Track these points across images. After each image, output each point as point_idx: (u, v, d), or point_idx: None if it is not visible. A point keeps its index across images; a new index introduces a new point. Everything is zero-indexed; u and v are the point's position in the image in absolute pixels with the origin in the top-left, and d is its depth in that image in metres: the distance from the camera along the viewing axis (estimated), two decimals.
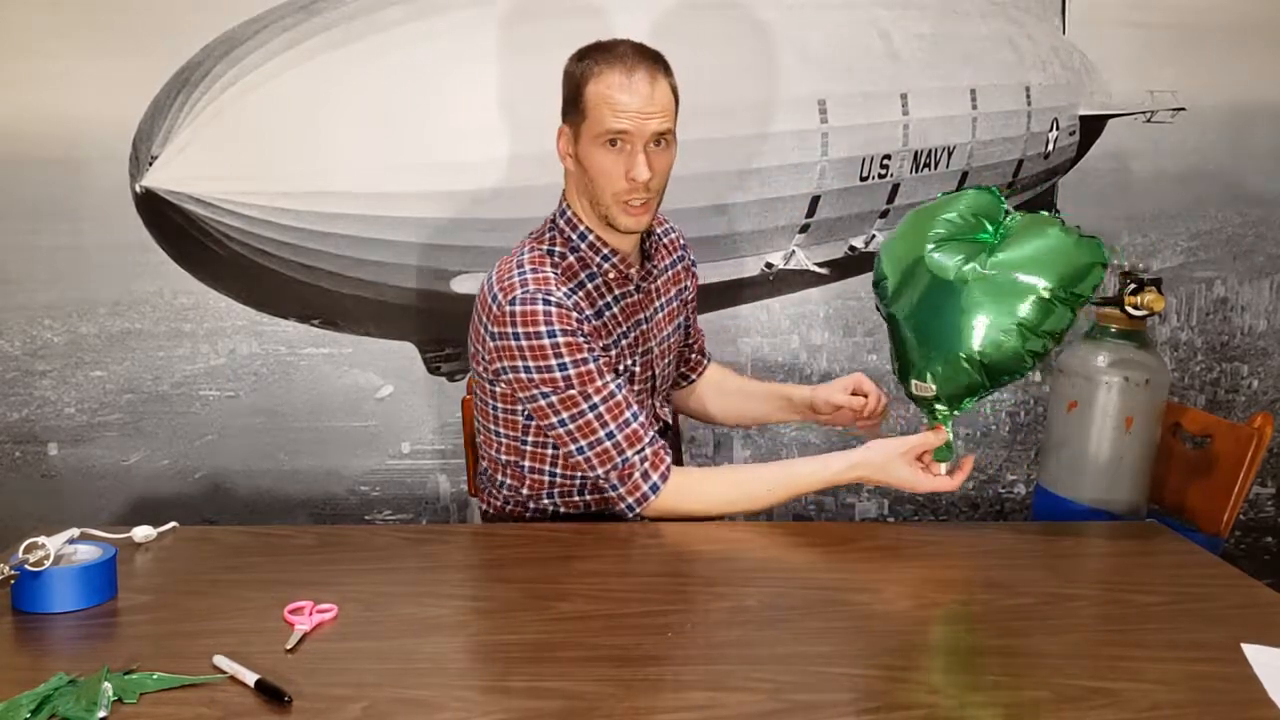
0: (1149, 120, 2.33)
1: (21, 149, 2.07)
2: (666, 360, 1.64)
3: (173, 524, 1.42)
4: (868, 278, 2.31)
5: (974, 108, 2.29)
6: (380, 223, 2.05)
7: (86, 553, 1.20)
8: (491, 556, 1.38)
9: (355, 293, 2.11)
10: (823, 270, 2.29)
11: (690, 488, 1.47)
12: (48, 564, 1.14)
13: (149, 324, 2.18)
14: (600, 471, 1.45)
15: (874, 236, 2.30)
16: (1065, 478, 1.95)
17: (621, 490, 1.45)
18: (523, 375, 1.44)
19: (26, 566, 1.13)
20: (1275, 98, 2.35)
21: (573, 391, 1.43)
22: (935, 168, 2.29)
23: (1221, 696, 0.99)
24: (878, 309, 1.46)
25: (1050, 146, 2.37)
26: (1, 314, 2.15)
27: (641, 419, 1.46)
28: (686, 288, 1.69)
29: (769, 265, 2.27)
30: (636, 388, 1.55)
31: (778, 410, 1.73)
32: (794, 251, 2.27)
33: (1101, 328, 1.94)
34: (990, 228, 1.38)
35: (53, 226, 2.11)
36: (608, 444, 1.44)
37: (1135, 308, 1.89)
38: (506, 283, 1.44)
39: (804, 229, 2.25)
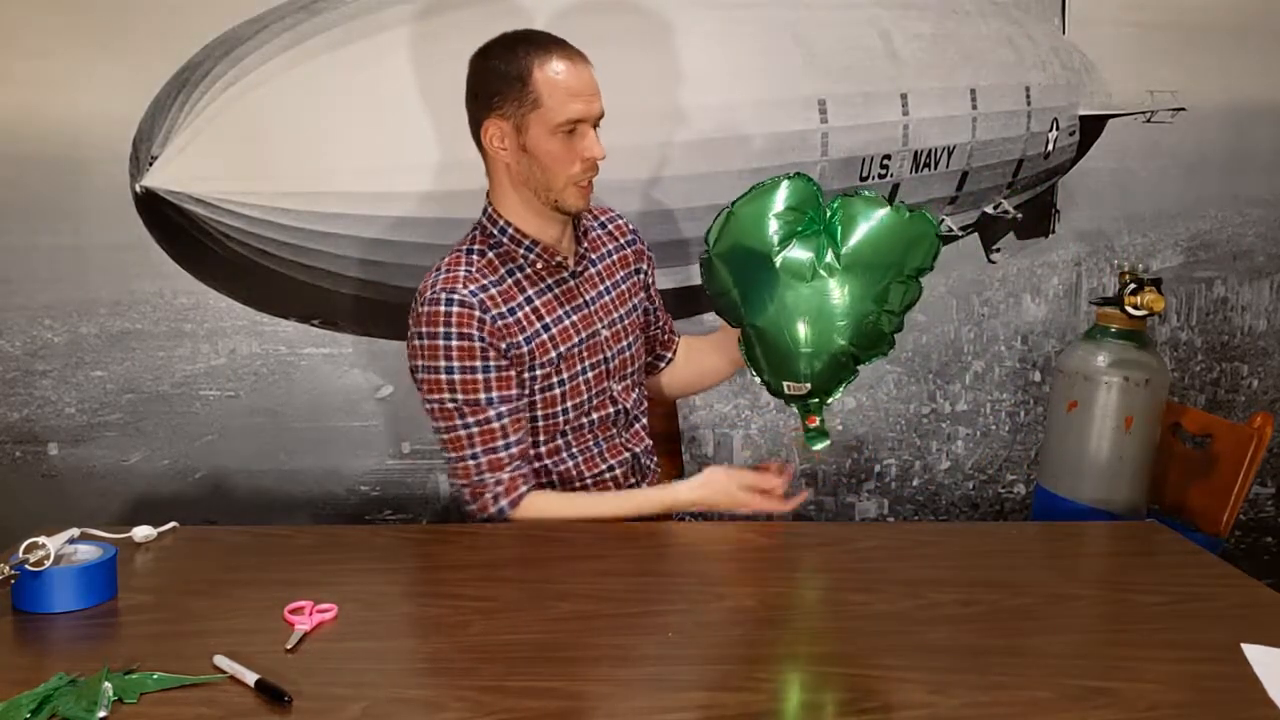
0: (1149, 120, 2.33)
1: (21, 149, 2.06)
2: (625, 342, 1.64)
3: (173, 524, 1.42)
4: None
5: (974, 108, 2.29)
6: (380, 223, 2.05)
7: (86, 553, 1.20)
8: (491, 556, 1.39)
9: (355, 293, 2.11)
10: None
11: (540, 512, 1.51)
12: (48, 564, 1.14)
13: (149, 324, 2.18)
14: (458, 483, 1.51)
15: None
16: (1065, 478, 1.96)
17: (473, 506, 1.50)
18: (419, 375, 1.49)
19: (27, 566, 1.13)
20: (1275, 98, 2.35)
21: (452, 405, 1.47)
22: (935, 168, 2.29)
23: (1221, 696, 0.99)
24: (734, 323, 1.47)
25: (1050, 146, 2.37)
26: (1, 314, 2.15)
27: (513, 450, 1.50)
28: (642, 270, 1.72)
29: None
30: (567, 375, 1.55)
31: (731, 347, 1.66)
32: None
33: (1101, 328, 1.95)
34: (815, 214, 1.40)
35: (53, 226, 2.11)
36: (470, 463, 1.49)
37: (1135, 308, 1.89)
38: (423, 285, 1.51)
39: None
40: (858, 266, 1.37)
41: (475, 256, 1.53)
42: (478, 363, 1.46)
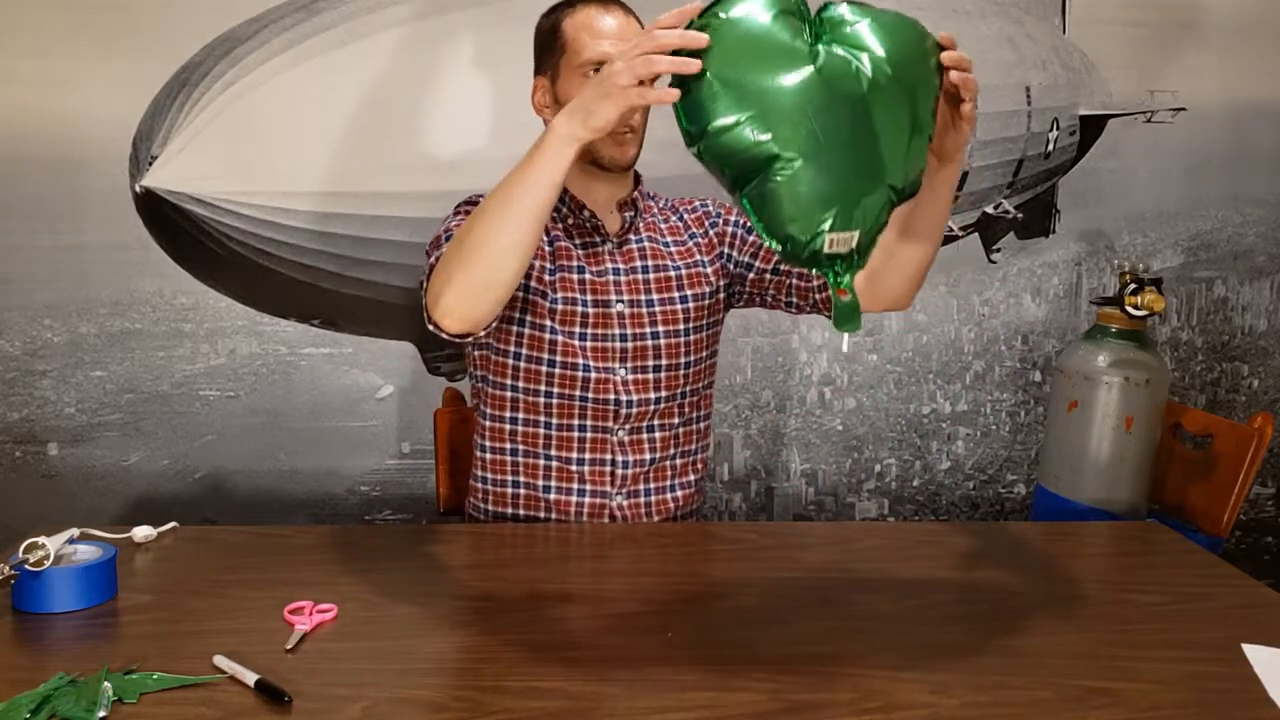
0: (1149, 120, 2.34)
1: (21, 149, 2.07)
2: (650, 330, 1.53)
3: (173, 524, 1.42)
4: None
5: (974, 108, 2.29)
6: (380, 223, 2.05)
7: (86, 553, 1.20)
8: (491, 556, 1.38)
9: (355, 293, 2.11)
10: None
11: (451, 243, 1.32)
12: (48, 564, 1.14)
13: (149, 324, 2.18)
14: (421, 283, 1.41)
15: None
16: (1065, 478, 1.96)
17: (425, 271, 1.39)
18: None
19: (26, 566, 1.13)
20: (1275, 98, 2.35)
21: (441, 235, 1.44)
22: None
23: (1221, 696, 0.99)
24: (739, 169, 1.06)
25: (1050, 146, 2.37)
26: (1, 314, 2.15)
27: None
28: (722, 254, 1.59)
29: None
30: (562, 329, 1.48)
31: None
32: None
33: (1102, 328, 1.95)
34: (810, 22, 1.06)
35: (53, 226, 2.11)
36: (434, 245, 1.44)
37: (1135, 308, 1.89)
38: None
39: None
40: (903, 78, 1.06)
41: None
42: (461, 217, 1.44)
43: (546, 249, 1.51)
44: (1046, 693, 0.99)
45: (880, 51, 1.05)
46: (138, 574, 1.28)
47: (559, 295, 1.49)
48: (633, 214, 1.55)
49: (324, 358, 2.23)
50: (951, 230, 2.36)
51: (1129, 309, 1.89)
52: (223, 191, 1.99)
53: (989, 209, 2.39)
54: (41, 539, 1.15)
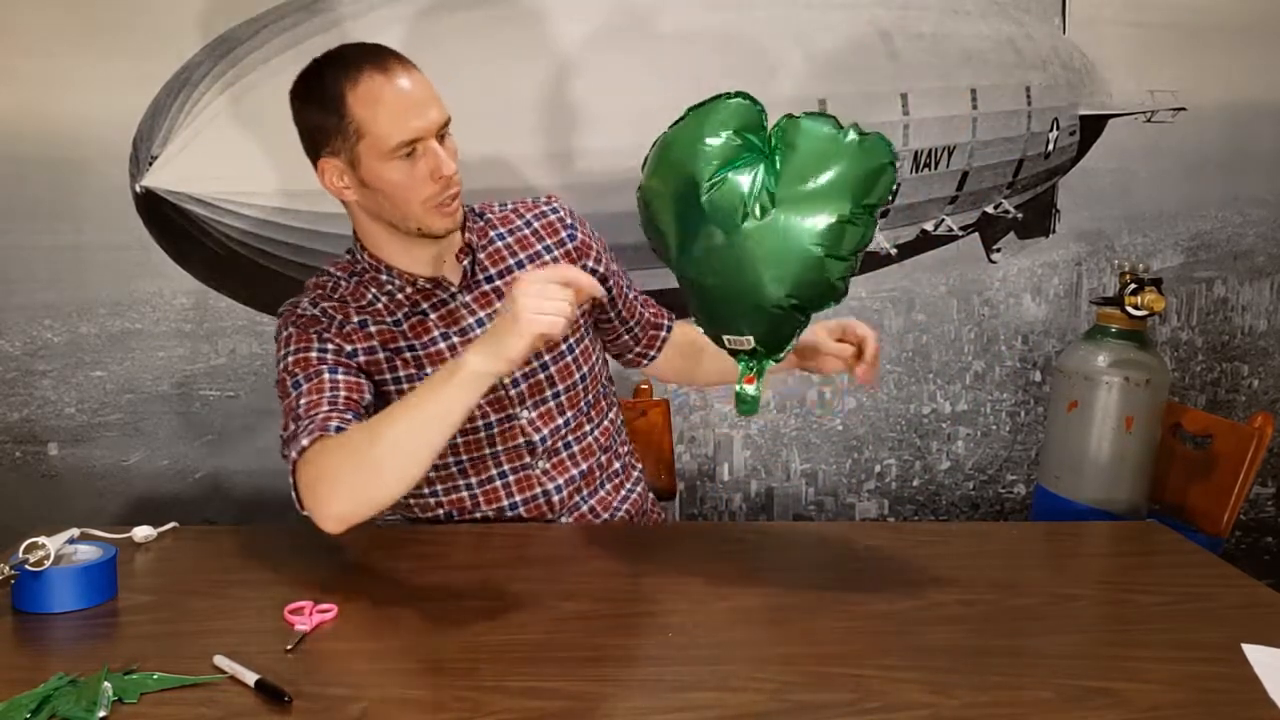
0: (1149, 120, 2.33)
1: (21, 149, 2.06)
2: (539, 363, 1.46)
3: (173, 524, 1.42)
4: (868, 278, 2.33)
5: (974, 108, 2.29)
6: None
7: (86, 553, 1.20)
8: (492, 556, 1.38)
9: None
10: None
11: (333, 443, 1.26)
12: (48, 564, 1.14)
13: (149, 324, 2.18)
14: (281, 440, 1.34)
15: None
16: (1065, 478, 1.96)
17: (288, 466, 1.31)
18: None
19: (26, 566, 1.13)
20: (1275, 98, 2.35)
21: (285, 377, 1.36)
22: (935, 168, 2.29)
23: (1221, 696, 0.99)
24: (671, 267, 1.25)
25: (1050, 146, 2.37)
26: (1, 314, 2.15)
27: (339, 396, 1.31)
28: (584, 268, 1.50)
29: None
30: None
31: None
32: None
33: (1102, 328, 1.95)
34: (758, 140, 1.19)
35: (53, 226, 2.10)
36: (289, 417, 1.33)
37: (1135, 308, 1.89)
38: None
39: None
40: (798, 202, 1.15)
41: (334, 280, 1.46)
42: (314, 343, 1.37)
43: (398, 327, 1.42)
44: (1046, 693, 0.99)
45: (795, 185, 1.16)
46: (138, 574, 1.28)
47: (428, 369, 1.40)
48: (471, 258, 1.44)
49: None
50: (951, 230, 2.36)
51: (1129, 309, 1.89)
52: (223, 191, 1.99)
53: (989, 209, 2.39)
54: (41, 539, 1.15)
